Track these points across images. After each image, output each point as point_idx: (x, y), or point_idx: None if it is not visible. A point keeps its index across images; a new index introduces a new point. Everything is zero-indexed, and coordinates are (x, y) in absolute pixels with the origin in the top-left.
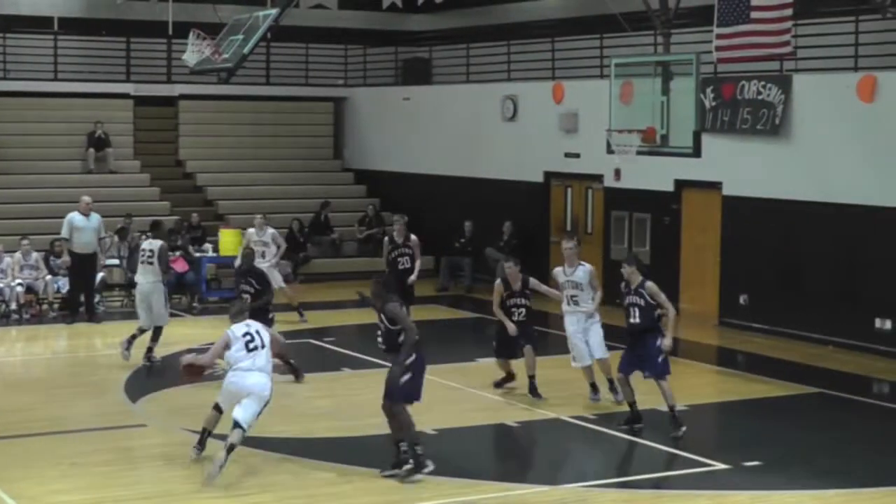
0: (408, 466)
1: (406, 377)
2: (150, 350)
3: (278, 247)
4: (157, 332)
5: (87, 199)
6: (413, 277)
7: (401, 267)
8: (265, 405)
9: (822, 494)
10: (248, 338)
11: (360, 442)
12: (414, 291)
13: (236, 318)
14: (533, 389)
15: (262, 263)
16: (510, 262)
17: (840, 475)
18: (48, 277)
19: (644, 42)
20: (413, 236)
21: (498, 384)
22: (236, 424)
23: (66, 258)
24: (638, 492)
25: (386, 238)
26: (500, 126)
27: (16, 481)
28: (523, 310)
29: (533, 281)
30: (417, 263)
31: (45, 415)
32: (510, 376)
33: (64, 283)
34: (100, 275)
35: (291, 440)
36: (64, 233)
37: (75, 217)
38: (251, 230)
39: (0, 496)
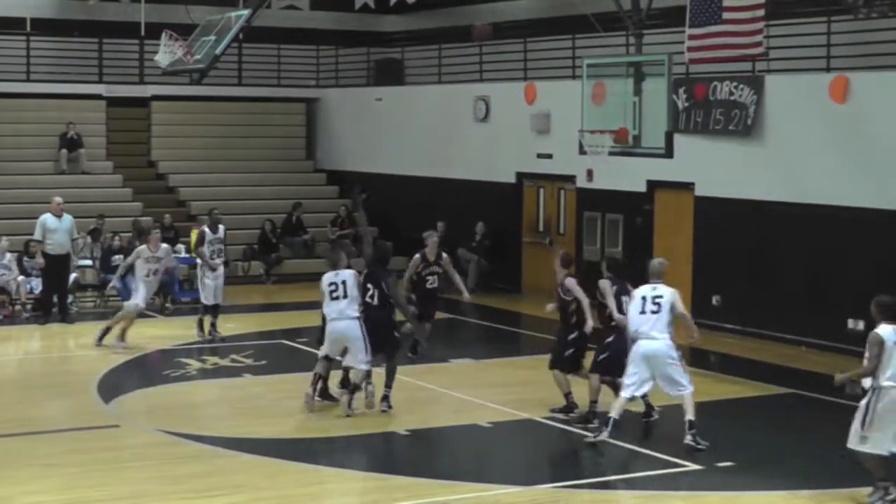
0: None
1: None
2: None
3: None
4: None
5: (58, 199)
6: (467, 295)
7: (429, 286)
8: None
9: (794, 495)
10: (333, 287)
11: (333, 442)
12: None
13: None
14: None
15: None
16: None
17: (812, 475)
18: (20, 278)
19: (616, 43)
20: (444, 254)
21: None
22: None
23: (39, 259)
24: (611, 492)
25: (417, 255)
26: (473, 127)
27: None
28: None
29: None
30: (458, 279)
31: (17, 415)
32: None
33: (37, 284)
34: (72, 275)
35: (264, 440)
36: (37, 234)
37: (48, 218)
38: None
39: None
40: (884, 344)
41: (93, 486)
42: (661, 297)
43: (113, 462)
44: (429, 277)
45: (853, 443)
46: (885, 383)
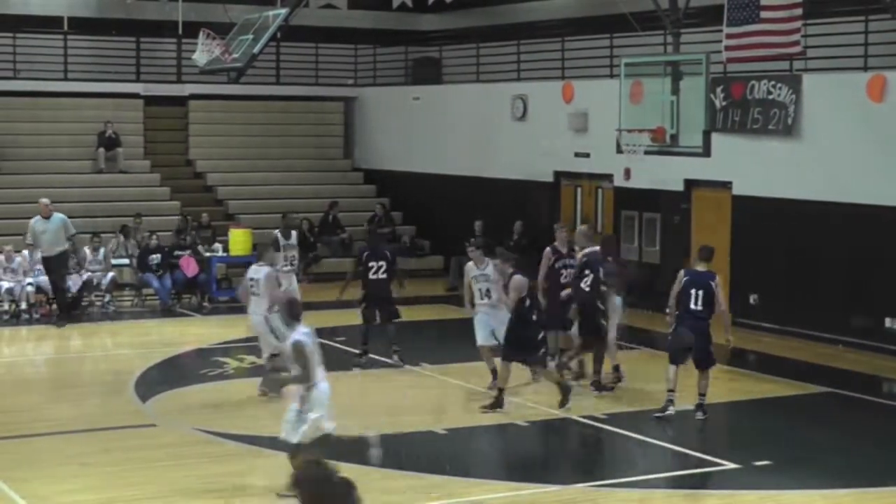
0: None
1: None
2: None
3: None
4: None
5: (45, 201)
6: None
7: (563, 280)
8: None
9: (832, 494)
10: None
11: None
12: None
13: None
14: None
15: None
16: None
17: (850, 474)
18: (43, 279)
19: (654, 42)
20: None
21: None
22: None
23: (36, 257)
24: (648, 491)
25: (548, 249)
26: (510, 126)
27: (26, 481)
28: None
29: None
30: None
31: (54, 415)
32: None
33: (75, 283)
34: (87, 274)
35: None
36: (28, 239)
37: (35, 221)
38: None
39: (10, 496)
40: None
41: (129, 484)
42: None
43: (149, 461)
44: (563, 271)
45: None
46: None
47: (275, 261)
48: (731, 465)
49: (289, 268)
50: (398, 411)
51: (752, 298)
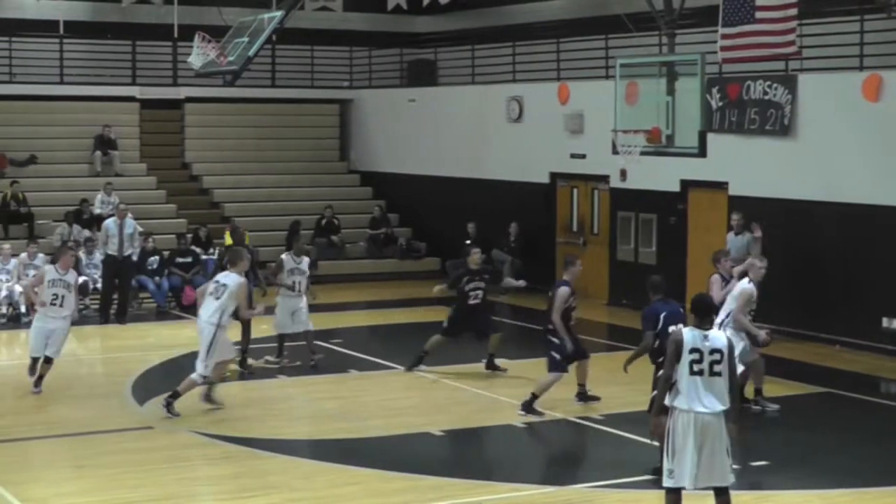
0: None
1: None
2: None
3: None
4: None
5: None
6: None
7: (471, 302)
8: None
9: (828, 494)
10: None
11: (367, 443)
12: None
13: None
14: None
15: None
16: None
17: (847, 474)
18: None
19: (649, 42)
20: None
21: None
22: None
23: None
24: (644, 492)
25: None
26: (506, 127)
27: (23, 483)
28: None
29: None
30: None
31: (51, 417)
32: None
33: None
34: (82, 277)
35: (299, 442)
36: (100, 239)
37: (110, 223)
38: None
39: (8, 499)
40: None
41: (127, 487)
42: None
43: (147, 463)
44: (472, 293)
45: None
46: None
47: (245, 270)
48: None
49: (294, 293)
50: (393, 413)
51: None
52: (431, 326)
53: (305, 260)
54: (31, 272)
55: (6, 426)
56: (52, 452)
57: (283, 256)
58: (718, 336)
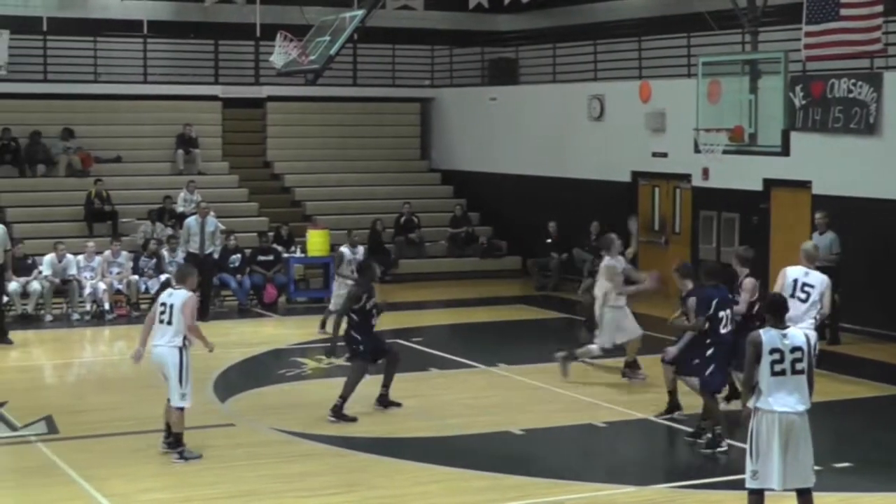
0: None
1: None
2: None
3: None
4: None
5: (203, 203)
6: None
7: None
8: None
9: None
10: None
11: (448, 442)
12: None
13: None
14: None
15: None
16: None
17: None
18: (133, 277)
19: (731, 40)
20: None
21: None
22: None
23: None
24: (725, 492)
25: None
26: (587, 126)
27: (106, 479)
28: None
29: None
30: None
31: (135, 414)
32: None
33: (153, 284)
34: (164, 275)
35: (378, 440)
36: (182, 236)
37: (191, 221)
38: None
39: (92, 494)
40: None
41: (208, 484)
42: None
43: (228, 460)
44: None
45: None
46: None
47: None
48: None
49: (351, 281)
50: (474, 411)
51: (834, 298)
52: (512, 325)
53: (360, 249)
54: (115, 269)
55: (90, 422)
56: (135, 448)
57: (343, 249)
58: (797, 334)
